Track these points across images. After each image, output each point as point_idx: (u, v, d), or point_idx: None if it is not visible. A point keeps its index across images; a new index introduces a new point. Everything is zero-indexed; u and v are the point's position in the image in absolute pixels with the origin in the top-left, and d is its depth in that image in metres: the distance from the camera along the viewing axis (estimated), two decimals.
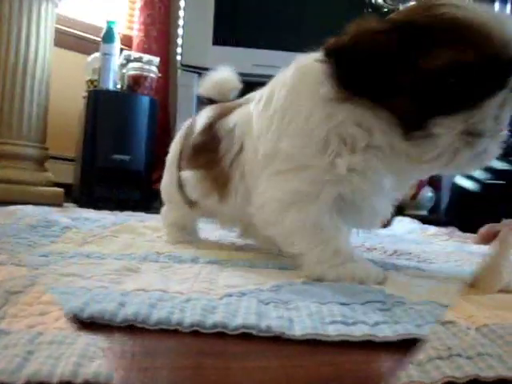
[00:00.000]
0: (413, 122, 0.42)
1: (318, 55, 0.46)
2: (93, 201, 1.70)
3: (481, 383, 0.24)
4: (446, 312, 0.34)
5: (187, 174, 0.62)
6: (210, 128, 0.61)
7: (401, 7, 1.37)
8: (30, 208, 1.03)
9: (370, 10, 1.64)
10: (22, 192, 1.54)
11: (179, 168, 0.69)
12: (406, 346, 0.28)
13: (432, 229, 1.16)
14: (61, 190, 1.69)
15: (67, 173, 1.98)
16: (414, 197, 1.86)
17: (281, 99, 0.50)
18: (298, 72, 0.51)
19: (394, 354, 0.28)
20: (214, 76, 0.73)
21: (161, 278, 0.42)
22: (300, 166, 0.46)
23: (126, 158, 1.78)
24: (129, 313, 0.30)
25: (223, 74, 0.73)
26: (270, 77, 2.10)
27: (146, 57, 1.93)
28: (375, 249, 0.73)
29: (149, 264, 0.50)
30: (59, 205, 1.59)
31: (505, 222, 0.95)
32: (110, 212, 1.37)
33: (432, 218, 1.73)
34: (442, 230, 1.13)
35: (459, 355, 0.26)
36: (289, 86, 0.50)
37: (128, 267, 0.46)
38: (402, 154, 0.45)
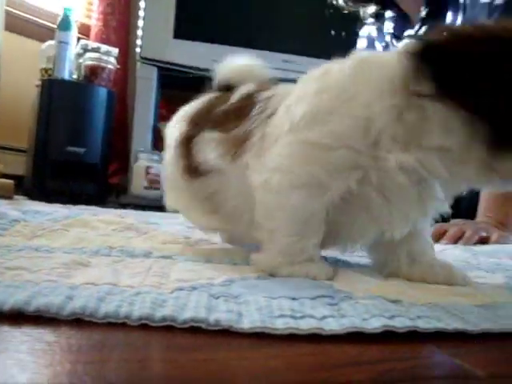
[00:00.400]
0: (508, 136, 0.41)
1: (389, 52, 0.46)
2: (45, 194, 1.65)
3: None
4: (393, 306, 0.36)
5: (212, 135, 0.58)
6: (248, 97, 0.57)
7: (361, 10, 1.39)
8: None
9: (331, 10, 1.66)
10: None
11: (188, 147, 0.63)
12: (353, 339, 0.30)
13: None
14: (11, 181, 1.63)
15: (18, 164, 1.91)
16: None
17: (339, 79, 0.48)
18: (361, 62, 0.48)
19: (339, 346, 0.29)
20: (239, 61, 0.67)
21: (111, 271, 0.41)
22: (337, 145, 0.44)
23: (81, 150, 1.74)
24: (76, 306, 0.30)
25: (249, 60, 0.67)
26: None
27: (105, 47, 1.89)
28: None
29: (100, 258, 0.49)
30: (9, 197, 1.54)
31: (453, 221, 1.00)
32: (62, 205, 1.33)
33: None
34: None
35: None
36: (350, 72, 0.48)
37: (78, 261, 0.45)
38: (477, 163, 0.43)
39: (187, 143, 0.63)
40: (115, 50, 1.89)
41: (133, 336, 0.28)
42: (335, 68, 0.50)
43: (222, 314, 0.30)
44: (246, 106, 0.56)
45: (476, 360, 0.29)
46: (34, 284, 0.35)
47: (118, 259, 0.49)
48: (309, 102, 0.47)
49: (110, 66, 1.85)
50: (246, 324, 0.29)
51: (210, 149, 0.57)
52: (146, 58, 1.80)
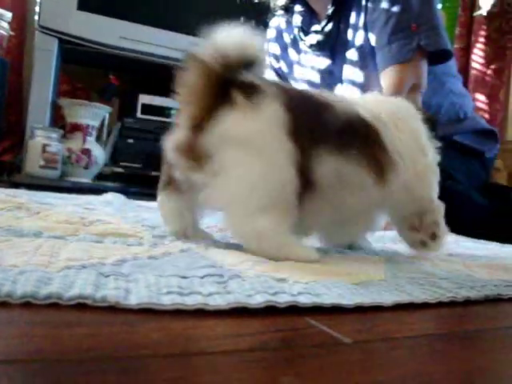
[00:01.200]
0: None
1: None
2: None
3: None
4: (278, 284, 0.38)
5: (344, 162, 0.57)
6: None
7: (272, 1, 1.41)
8: None
9: (242, 0, 1.67)
10: None
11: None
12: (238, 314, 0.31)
13: None
14: None
15: None
16: None
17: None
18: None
19: (223, 321, 0.31)
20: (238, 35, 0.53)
21: None
22: None
23: None
24: None
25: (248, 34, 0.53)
26: (137, 52, 2.04)
27: None
28: (227, 229, 0.76)
29: None
30: None
31: None
32: None
33: None
34: None
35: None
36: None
37: None
38: None
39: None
40: (8, 14, 1.74)
41: (15, 314, 0.28)
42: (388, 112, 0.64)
43: (109, 291, 0.30)
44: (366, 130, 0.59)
45: (346, 330, 0.32)
46: None
47: (3, 239, 0.46)
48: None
49: (2, 32, 1.70)
50: (133, 300, 0.30)
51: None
52: (45, 28, 1.68)
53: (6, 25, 1.72)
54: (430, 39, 1.09)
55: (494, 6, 2.17)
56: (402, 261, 0.61)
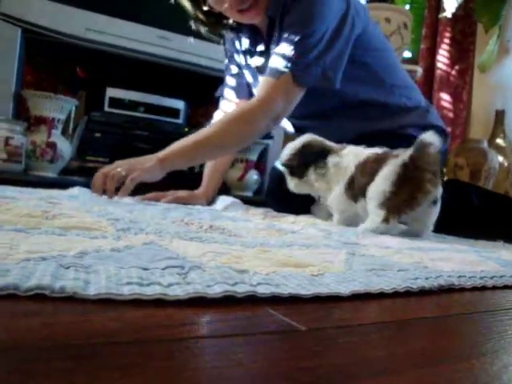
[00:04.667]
0: None
1: None
2: None
3: None
4: (238, 275, 0.39)
5: None
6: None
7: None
8: None
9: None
10: None
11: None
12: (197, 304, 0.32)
13: (254, 209, 1.26)
14: None
15: None
16: (241, 178, 1.98)
17: None
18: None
19: (182, 310, 0.31)
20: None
21: None
22: None
23: None
24: None
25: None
26: (104, 44, 2.01)
27: None
28: (192, 223, 0.77)
29: None
30: None
31: (170, 192, 1.25)
32: None
33: (256, 199, 1.86)
34: (260, 209, 1.23)
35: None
36: None
37: None
38: None
39: None
40: None
41: None
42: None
43: (68, 282, 0.30)
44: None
45: (302, 318, 0.33)
46: None
47: None
48: None
49: None
50: (92, 291, 0.30)
51: None
52: (6, 15, 1.63)
53: None
54: (301, 72, 1.12)
55: (458, 8, 2.23)
56: (363, 254, 0.63)
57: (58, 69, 2.05)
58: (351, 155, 1.01)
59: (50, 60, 2.02)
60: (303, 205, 1.22)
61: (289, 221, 1.06)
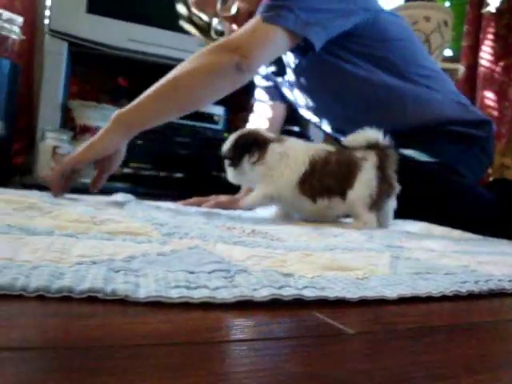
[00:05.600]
0: None
1: None
2: None
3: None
4: (283, 278, 0.39)
5: None
6: None
7: None
8: None
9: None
10: None
11: None
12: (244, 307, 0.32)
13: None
14: None
15: None
16: None
17: None
18: None
19: (230, 313, 0.31)
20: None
21: (9, 248, 0.41)
22: None
23: None
24: None
25: None
26: (145, 53, 2.06)
27: (7, 14, 1.75)
28: (235, 228, 0.77)
29: None
30: None
31: (211, 197, 1.25)
32: None
33: None
34: None
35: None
36: None
37: None
38: None
39: None
40: (19, 19, 1.76)
41: (29, 306, 0.29)
42: None
43: (119, 285, 0.31)
44: None
45: (349, 321, 0.33)
46: None
47: (16, 237, 0.48)
48: None
49: (13, 36, 1.73)
50: (142, 294, 0.31)
51: None
52: (55, 31, 1.71)
53: (17, 29, 1.75)
54: (270, 13, 1.04)
55: (502, 2, 2.16)
56: (408, 257, 0.62)
57: (101, 79, 2.12)
58: (298, 147, 1.02)
59: (93, 70, 2.09)
60: None
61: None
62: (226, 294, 0.33)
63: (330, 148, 1.02)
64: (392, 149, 0.99)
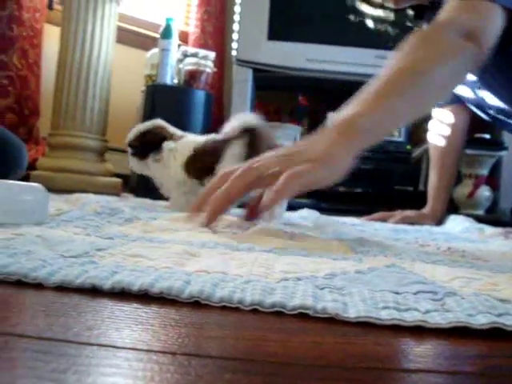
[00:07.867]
0: None
1: None
2: (149, 191, 1.77)
3: None
4: (501, 304, 0.35)
5: None
6: None
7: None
8: (92, 196, 1.10)
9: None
10: (83, 181, 1.63)
11: None
12: (457, 333, 0.30)
13: (489, 229, 1.14)
14: (119, 180, 1.77)
15: (125, 164, 2.07)
16: (471, 195, 1.82)
17: None
18: None
19: (444, 339, 0.29)
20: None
21: (220, 262, 0.45)
22: None
23: None
24: (194, 290, 0.33)
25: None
26: (323, 71, 2.12)
27: (203, 52, 1.98)
28: (428, 245, 0.73)
29: (207, 250, 0.53)
30: (117, 194, 1.67)
31: (397, 212, 1.21)
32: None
33: (489, 217, 1.68)
34: (499, 229, 1.11)
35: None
36: None
37: (189, 251, 0.49)
38: None
39: None
40: (212, 54, 1.97)
41: (246, 318, 0.31)
42: None
43: (328, 303, 0.31)
44: None
45: None
46: (154, 269, 0.39)
47: (223, 251, 0.52)
48: None
49: (207, 70, 1.94)
50: (352, 313, 0.30)
51: None
52: (241, 60, 1.86)
53: (210, 63, 1.96)
54: None
55: None
56: None
57: (282, 99, 2.23)
58: (189, 140, 1.11)
59: (274, 92, 2.22)
60: None
61: None
62: (438, 319, 0.30)
63: (215, 136, 1.10)
64: (266, 129, 1.08)
